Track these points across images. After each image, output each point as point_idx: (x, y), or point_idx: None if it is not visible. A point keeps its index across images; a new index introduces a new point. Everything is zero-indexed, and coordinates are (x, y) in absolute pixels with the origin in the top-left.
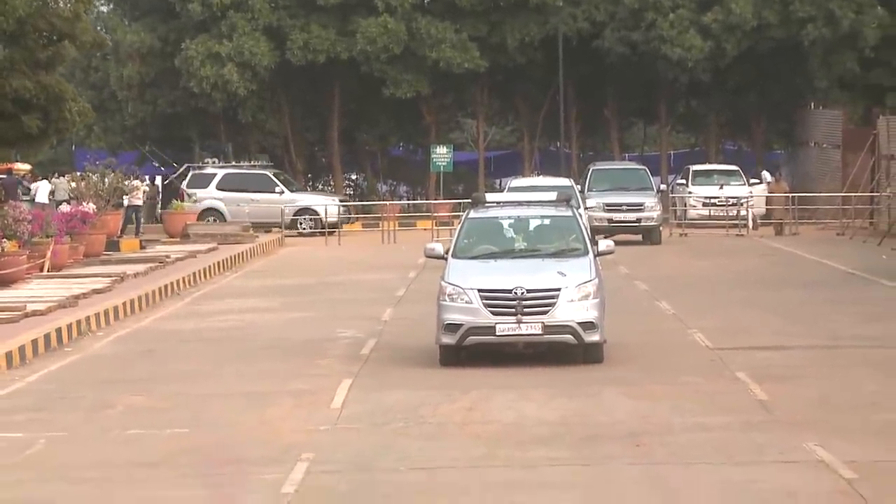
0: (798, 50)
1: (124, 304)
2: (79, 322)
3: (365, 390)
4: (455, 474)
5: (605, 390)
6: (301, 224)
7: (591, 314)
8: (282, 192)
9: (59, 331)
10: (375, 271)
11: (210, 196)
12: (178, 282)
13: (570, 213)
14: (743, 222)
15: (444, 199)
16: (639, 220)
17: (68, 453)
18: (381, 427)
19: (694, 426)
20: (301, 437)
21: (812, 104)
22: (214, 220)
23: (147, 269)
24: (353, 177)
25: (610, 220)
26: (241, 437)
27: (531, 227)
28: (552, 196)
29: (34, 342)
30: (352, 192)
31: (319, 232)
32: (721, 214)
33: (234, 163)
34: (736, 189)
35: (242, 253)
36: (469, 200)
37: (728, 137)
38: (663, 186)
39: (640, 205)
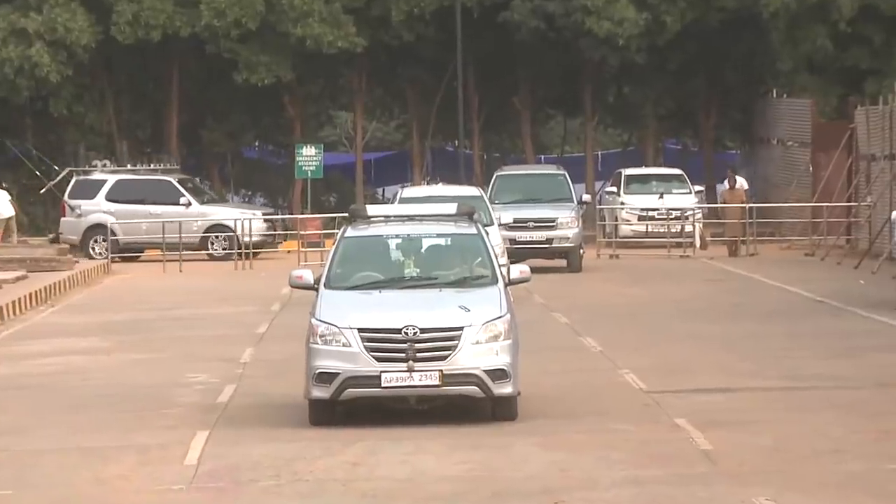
0: (756, 23)
1: None
2: None
3: (225, 444)
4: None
5: (517, 441)
6: (212, 244)
7: (501, 360)
8: (188, 204)
9: None
10: (230, 304)
11: (98, 209)
12: None
13: (474, 230)
14: (688, 240)
15: (313, 212)
16: (550, 241)
17: None
18: (247, 485)
19: (623, 480)
20: (149, 498)
21: (774, 92)
22: (104, 241)
23: None
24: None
25: (513, 241)
26: (75, 499)
27: (426, 249)
28: (452, 209)
29: None
30: None
31: (239, 252)
32: (661, 230)
33: (129, 165)
34: (679, 198)
35: (60, 283)
36: (346, 215)
37: (670, 134)
38: (587, 197)
39: (552, 221)
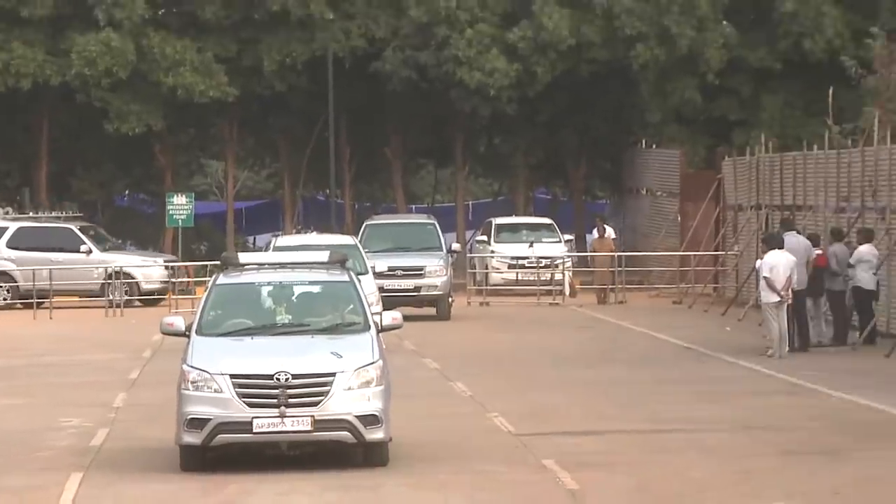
0: (626, 75)
1: None
2: None
3: (99, 485)
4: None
5: (387, 482)
6: (112, 291)
7: (373, 405)
8: (89, 252)
9: None
10: (102, 351)
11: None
12: None
13: (346, 277)
14: (558, 288)
15: (184, 261)
16: (418, 289)
17: None
18: None
19: None
20: None
21: (643, 142)
22: (6, 289)
23: None
24: None
25: (382, 289)
26: None
27: (297, 296)
28: (324, 257)
29: None
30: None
31: (139, 300)
32: (531, 279)
33: (30, 213)
34: (549, 247)
35: None
36: (217, 262)
37: (540, 183)
38: (456, 245)
39: (420, 269)
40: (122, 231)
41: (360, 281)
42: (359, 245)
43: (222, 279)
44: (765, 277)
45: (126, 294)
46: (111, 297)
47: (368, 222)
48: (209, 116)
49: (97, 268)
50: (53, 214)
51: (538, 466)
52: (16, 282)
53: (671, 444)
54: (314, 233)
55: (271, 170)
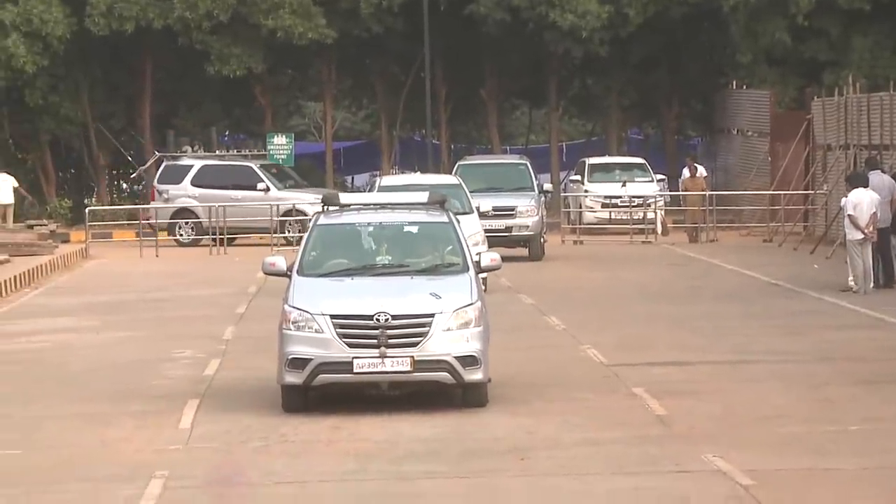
0: (717, 16)
1: None
2: None
3: (215, 411)
4: (327, 487)
5: (485, 408)
6: (288, 228)
7: (472, 346)
8: (266, 189)
9: None
10: (208, 286)
11: (184, 194)
12: None
13: (445, 218)
14: (650, 227)
15: None
16: (509, 229)
17: None
18: (238, 446)
19: (584, 441)
20: (150, 456)
21: (734, 83)
22: (188, 225)
23: None
24: None
25: None
26: (82, 457)
27: (397, 237)
28: (423, 197)
29: None
30: None
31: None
32: (624, 217)
33: (218, 151)
34: (642, 186)
35: (41, 266)
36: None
37: (633, 124)
38: (548, 186)
39: (511, 209)
40: None
41: (458, 221)
42: (463, 185)
43: (323, 220)
44: (849, 215)
45: (299, 231)
46: (286, 234)
47: (461, 163)
48: (308, 58)
49: (273, 205)
50: (240, 153)
51: (628, 394)
52: (199, 218)
53: (754, 374)
54: (418, 173)
55: (368, 111)
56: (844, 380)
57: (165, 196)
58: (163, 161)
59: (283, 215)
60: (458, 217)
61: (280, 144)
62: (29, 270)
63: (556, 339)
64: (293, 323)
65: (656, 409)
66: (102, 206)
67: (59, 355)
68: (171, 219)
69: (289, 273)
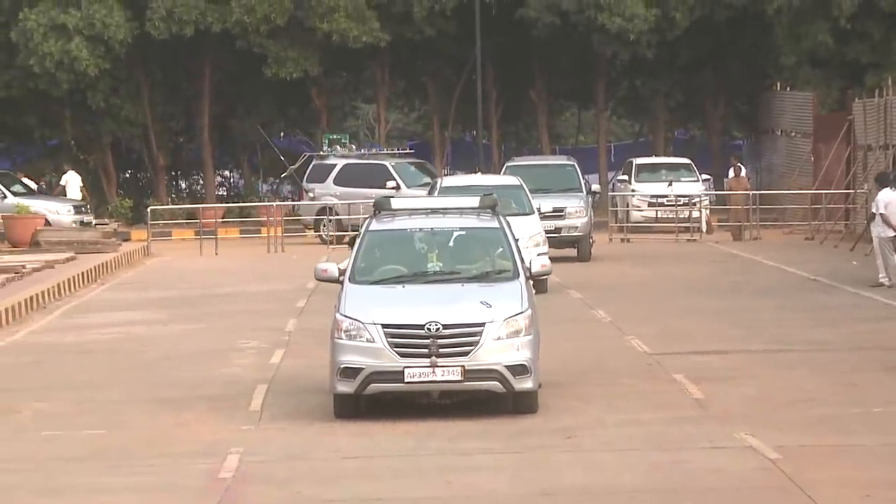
0: (761, 20)
1: None
2: None
3: (282, 395)
4: (390, 461)
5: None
6: None
7: (522, 355)
8: (396, 188)
9: None
10: (267, 282)
11: (327, 192)
12: (41, 294)
13: (496, 223)
14: (695, 225)
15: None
16: (558, 230)
17: None
18: (305, 426)
19: (627, 421)
20: (225, 435)
21: (778, 85)
22: (331, 222)
23: (3, 281)
24: (227, 173)
25: None
26: (161, 436)
27: (448, 242)
28: (475, 202)
29: None
30: (224, 193)
31: None
32: (670, 216)
33: (363, 150)
34: (687, 186)
35: (106, 263)
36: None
37: (679, 125)
38: (596, 187)
39: (561, 210)
40: (280, 171)
41: (510, 225)
42: (524, 186)
43: (374, 225)
44: (880, 214)
45: None
46: None
47: (509, 164)
48: (362, 60)
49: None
50: (385, 151)
51: (668, 380)
52: (339, 216)
53: (788, 362)
54: (479, 173)
55: (420, 112)
56: (872, 367)
57: (311, 194)
58: (311, 160)
59: None
60: (519, 217)
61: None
62: (95, 267)
63: (602, 331)
64: (345, 332)
65: (694, 393)
66: (162, 205)
67: (132, 346)
68: (315, 216)
69: (341, 279)
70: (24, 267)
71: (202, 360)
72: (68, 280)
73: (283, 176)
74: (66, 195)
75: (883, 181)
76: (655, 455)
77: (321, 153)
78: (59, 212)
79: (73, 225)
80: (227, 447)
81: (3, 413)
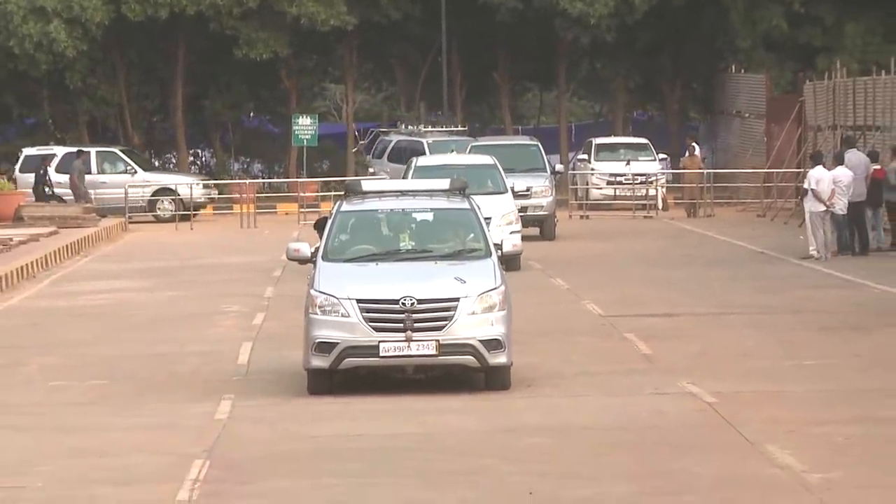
0: (717, 4)
1: None
2: None
3: (266, 351)
4: (368, 405)
5: None
6: None
7: (496, 330)
8: None
9: None
10: (243, 254)
11: (381, 168)
12: (30, 264)
13: (466, 204)
14: (652, 202)
15: (308, 177)
16: (524, 210)
17: (3, 398)
18: (291, 376)
19: (581, 373)
20: (217, 385)
21: (733, 67)
22: None
23: None
24: (199, 152)
25: None
26: (159, 386)
27: (420, 223)
28: (445, 184)
29: None
30: (197, 171)
31: None
32: (628, 194)
33: (420, 127)
34: (645, 165)
35: (88, 237)
36: (340, 179)
37: (637, 106)
38: (559, 166)
39: (526, 190)
40: (251, 150)
41: (479, 207)
42: (498, 165)
43: (346, 206)
44: (812, 189)
45: None
46: None
47: (473, 143)
48: (331, 43)
49: None
50: (435, 129)
51: (620, 338)
52: None
53: (731, 323)
54: (454, 153)
55: (387, 93)
56: (809, 327)
57: (371, 170)
58: (378, 136)
59: None
60: (493, 196)
61: (305, 125)
62: (77, 240)
63: (561, 297)
64: (319, 307)
65: (643, 349)
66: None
67: (122, 310)
68: None
69: (314, 259)
70: (11, 240)
71: (189, 321)
72: (54, 252)
73: (353, 151)
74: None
75: (817, 159)
76: (606, 399)
77: (384, 129)
78: (191, 186)
79: (201, 199)
80: (220, 394)
81: (11, 367)
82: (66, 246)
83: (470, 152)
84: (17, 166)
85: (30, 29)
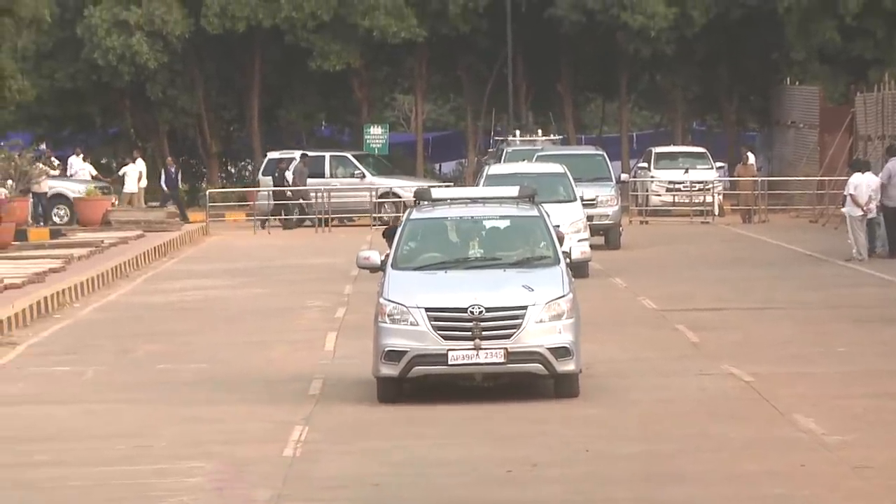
0: (773, 18)
1: (89, 280)
2: (57, 294)
3: (351, 339)
4: (453, 387)
5: None
6: None
7: (564, 338)
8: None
9: (45, 300)
10: (320, 256)
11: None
12: (123, 265)
13: (535, 212)
14: (709, 209)
15: None
16: (590, 219)
17: (117, 379)
18: (371, 361)
19: (634, 358)
20: (307, 368)
21: (788, 79)
22: None
23: (89, 253)
24: None
25: None
26: (255, 370)
27: (488, 231)
28: (514, 191)
29: (31, 308)
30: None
31: None
32: (685, 201)
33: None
34: (702, 173)
35: (172, 241)
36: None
37: (696, 116)
38: (625, 176)
39: (593, 199)
40: None
41: (549, 214)
42: (568, 173)
43: (415, 214)
44: (850, 195)
45: None
46: None
47: (539, 153)
48: (401, 55)
49: None
50: (531, 138)
51: (671, 329)
52: None
53: (773, 317)
54: (525, 161)
55: (454, 104)
56: (843, 320)
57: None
58: (500, 145)
59: None
60: (562, 204)
61: (376, 134)
62: (164, 243)
63: (619, 294)
64: (389, 316)
65: (692, 338)
66: (216, 189)
67: (214, 304)
68: None
69: (383, 267)
70: (102, 242)
71: (277, 314)
72: (143, 254)
73: (484, 159)
74: (123, 184)
75: (856, 166)
76: (655, 379)
77: (508, 139)
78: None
79: None
80: (311, 375)
81: (122, 353)
82: (153, 248)
83: (537, 161)
84: (261, 169)
85: (113, 42)
